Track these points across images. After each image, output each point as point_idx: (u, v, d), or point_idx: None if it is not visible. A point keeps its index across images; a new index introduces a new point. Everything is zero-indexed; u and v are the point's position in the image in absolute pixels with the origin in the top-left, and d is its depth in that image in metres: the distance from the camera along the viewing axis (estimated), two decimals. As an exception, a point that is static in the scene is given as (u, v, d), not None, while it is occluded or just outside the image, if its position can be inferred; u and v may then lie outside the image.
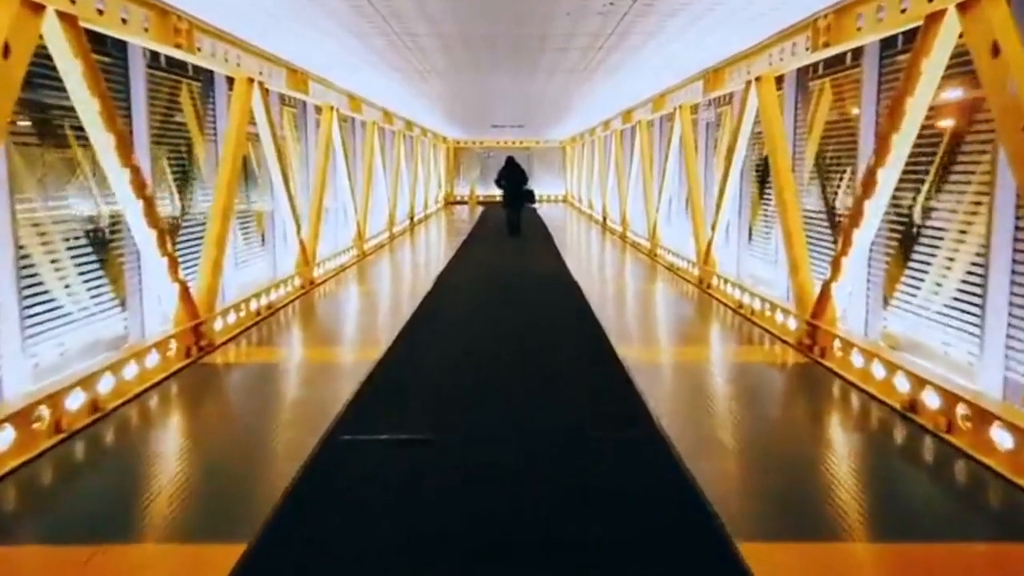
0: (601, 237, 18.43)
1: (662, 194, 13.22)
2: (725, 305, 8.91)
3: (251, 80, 8.00)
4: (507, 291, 10.14)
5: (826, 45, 6.24)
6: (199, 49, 6.68)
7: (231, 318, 7.42)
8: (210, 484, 4.08)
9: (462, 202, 33.53)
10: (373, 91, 13.44)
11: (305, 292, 9.85)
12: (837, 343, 6.08)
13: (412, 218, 21.26)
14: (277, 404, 5.52)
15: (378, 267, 12.95)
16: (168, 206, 7.64)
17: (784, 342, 7.02)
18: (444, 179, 32.92)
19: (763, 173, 9.57)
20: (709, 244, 9.93)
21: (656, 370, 6.35)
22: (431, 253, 15.79)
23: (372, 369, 6.05)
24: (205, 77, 8.42)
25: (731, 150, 9.08)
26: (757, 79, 8.03)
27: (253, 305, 8.11)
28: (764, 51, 7.77)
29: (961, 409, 4.46)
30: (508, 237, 18.09)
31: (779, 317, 7.40)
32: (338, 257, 12.17)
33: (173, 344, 6.13)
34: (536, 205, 29.23)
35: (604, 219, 20.89)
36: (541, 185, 34.87)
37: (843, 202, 7.46)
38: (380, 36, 7.80)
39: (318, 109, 11.93)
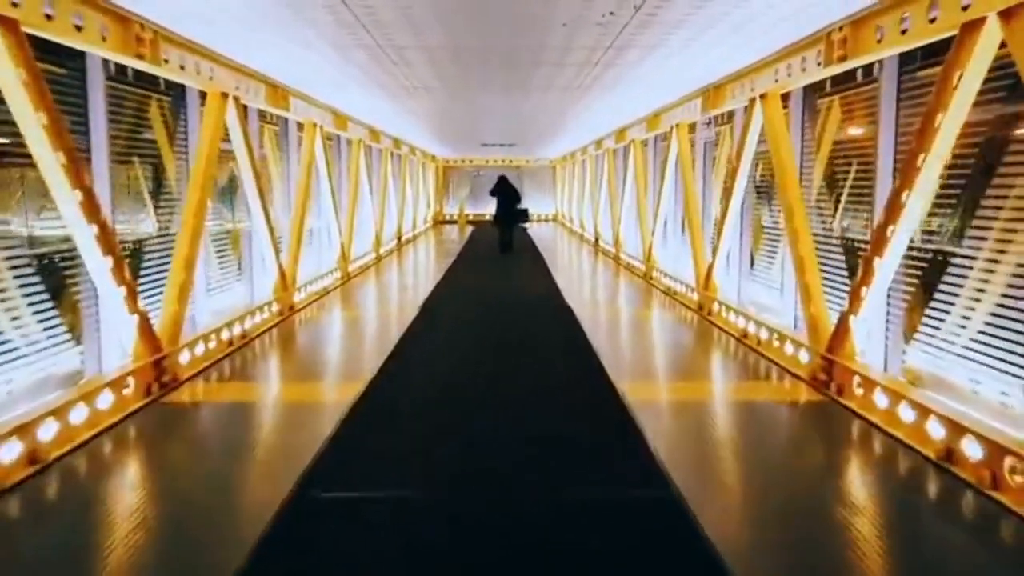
0: (593, 258, 17.97)
1: (658, 215, 12.77)
2: (727, 333, 8.43)
3: (225, 95, 7.50)
4: (496, 318, 9.61)
5: (842, 59, 5.81)
6: (166, 61, 6.18)
7: (199, 349, 6.86)
8: (165, 550, 3.55)
9: (451, 221, 33.07)
10: (359, 108, 12.97)
11: (284, 319, 9.30)
12: (857, 380, 5.60)
13: (400, 238, 20.76)
14: (244, 452, 4.96)
15: (362, 290, 12.41)
16: (130, 226, 7.12)
17: (795, 376, 6.53)
18: (433, 198, 32.48)
19: (767, 195, 9.14)
20: (710, 268, 9.46)
21: (661, 411, 5.83)
22: (418, 276, 15.23)
23: (348, 412, 5.52)
24: (177, 92, 7.93)
25: (734, 170, 8.64)
26: (762, 96, 7.60)
27: (225, 335, 7.55)
28: (770, 66, 7.34)
29: (1009, 461, 3.97)
30: (498, 258, 17.65)
31: (788, 348, 6.92)
32: (321, 280, 11.63)
33: (131, 381, 5.57)
34: (527, 225, 29.07)
35: (596, 239, 20.45)
36: (531, 204, 34.51)
37: (853, 227, 7.02)
38: (364, 50, 7.34)
39: (300, 126, 11.43)
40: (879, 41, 5.41)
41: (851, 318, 5.80)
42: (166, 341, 6.17)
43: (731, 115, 10.14)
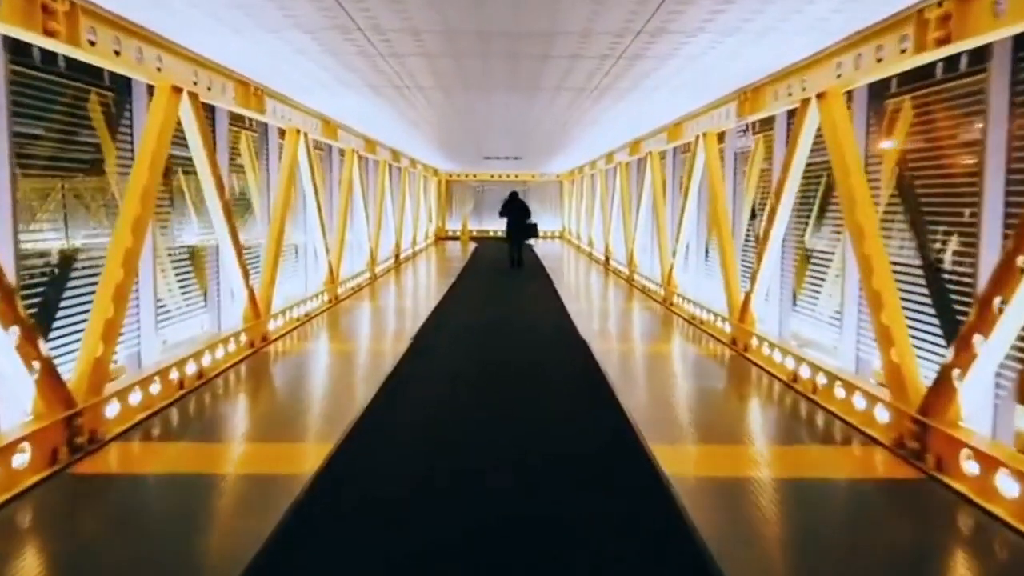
0: (604, 279, 16.70)
1: (679, 236, 11.51)
2: (771, 375, 7.16)
3: (178, 89, 6.29)
4: (499, 355, 8.27)
5: (942, 42, 4.56)
6: (91, 43, 4.96)
7: (134, 398, 5.60)
8: None
9: (454, 238, 31.87)
10: (350, 114, 11.79)
11: (254, 352, 8.03)
12: (966, 455, 4.30)
13: (398, 256, 19.52)
14: (172, 549, 3.67)
15: (350, 317, 11.13)
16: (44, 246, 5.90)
17: (872, 440, 5.25)
18: (435, 213, 31.31)
19: (807, 212, 7.88)
20: (747, 299, 8.18)
21: (717, 495, 4.44)
22: (414, 300, 13.91)
23: (301, 496, 4.24)
24: (123, 86, 6.72)
25: (780, 185, 7.38)
26: (819, 95, 6.35)
27: (174, 375, 6.30)
28: (831, 59, 6.10)
29: None
30: (503, 279, 16.44)
31: (858, 402, 5.63)
32: (303, 305, 10.37)
33: (27, 448, 4.31)
34: (533, 241, 27.91)
35: (607, 259, 19.20)
36: (536, 221, 33.27)
37: (946, 255, 5.76)
38: (340, 31, 6.12)
39: (283, 133, 10.23)
40: (996, 16, 4.18)
41: (954, 373, 4.51)
42: (82, 392, 4.91)
43: (767, 122, 8.90)
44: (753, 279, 8.05)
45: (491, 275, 17.62)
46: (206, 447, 5.29)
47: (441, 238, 31.80)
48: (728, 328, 8.79)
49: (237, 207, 9.65)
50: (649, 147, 13.77)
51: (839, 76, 6.02)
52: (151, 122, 6.06)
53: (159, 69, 5.98)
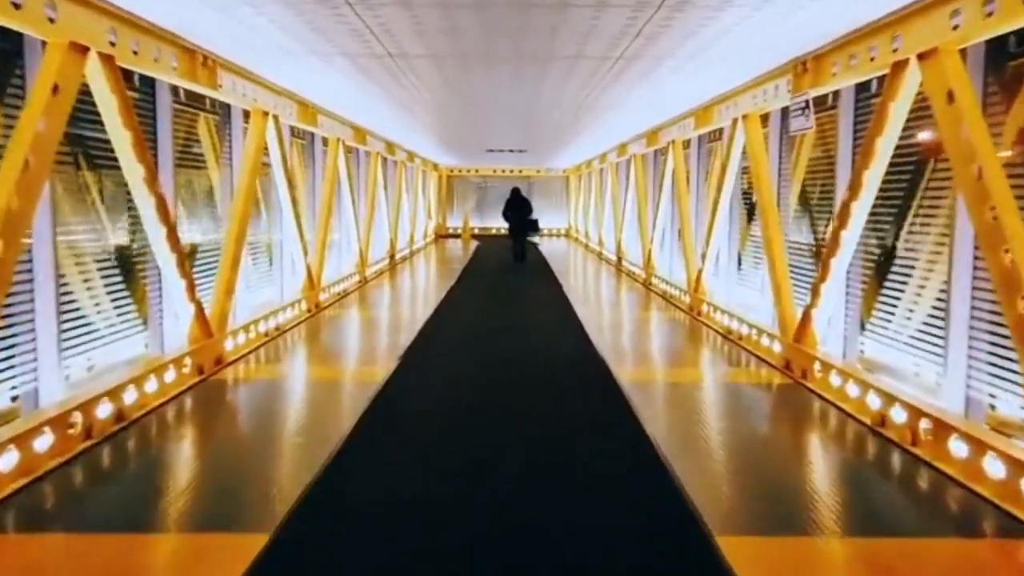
0: (616, 282, 15.18)
1: (710, 236, 9.99)
2: (839, 409, 5.69)
3: (79, 47, 4.80)
4: (502, 386, 6.64)
5: None
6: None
7: (40, 444, 4.14)
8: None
9: (455, 235, 30.36)
10: (336, 99, 10.32)
11: (202, 379, 6.55)
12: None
13: (393, 256, 18.02)
14: None
15: (330, 331, 9.61)
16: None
17: (984, 500, 3.83)
18: (435, 210, 29.80)
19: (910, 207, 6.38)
20: (807, 314, 6.66)
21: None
22: (408, 307, 12.35)
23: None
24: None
25: (858, 176, 5.86)
26: (922, 55, 4.84)
27: (103, 411, 4.84)
28: (939, 7, 4.60)
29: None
30: (505, 281, 14.96)
31: (955, 447, 4.17)
32: (274, 317, 8.90)
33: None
34: (538, 240, 26.58)
35: (619, 259, 17.69)
36: (541, 218, 31.74)
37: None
38: (340, 23, 4.64)
39: (246, 115, 8.74)
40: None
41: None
42: None
43: (820, 101, 7.40)
44: (815, 291, 6.53)
45: (493, 277, 16.13)
46: (129, 513, 3.83)
47: (442, 236, 30.29)
48: (778, 347, 7.29)
49: (203, 205, 8.19)
50: (671, 135, 12.25)
51: (955, 28, 4.51)
52: (40, 86, 4.56)
53: (52, 20, 4.50)
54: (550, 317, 10.41)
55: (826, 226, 7.73)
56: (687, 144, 12.56)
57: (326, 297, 11.30)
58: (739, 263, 10.51)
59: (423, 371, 7.13)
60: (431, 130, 15.29)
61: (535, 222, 19.39)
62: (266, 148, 8.78)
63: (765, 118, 8.74)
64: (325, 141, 12.30)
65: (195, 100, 7.97)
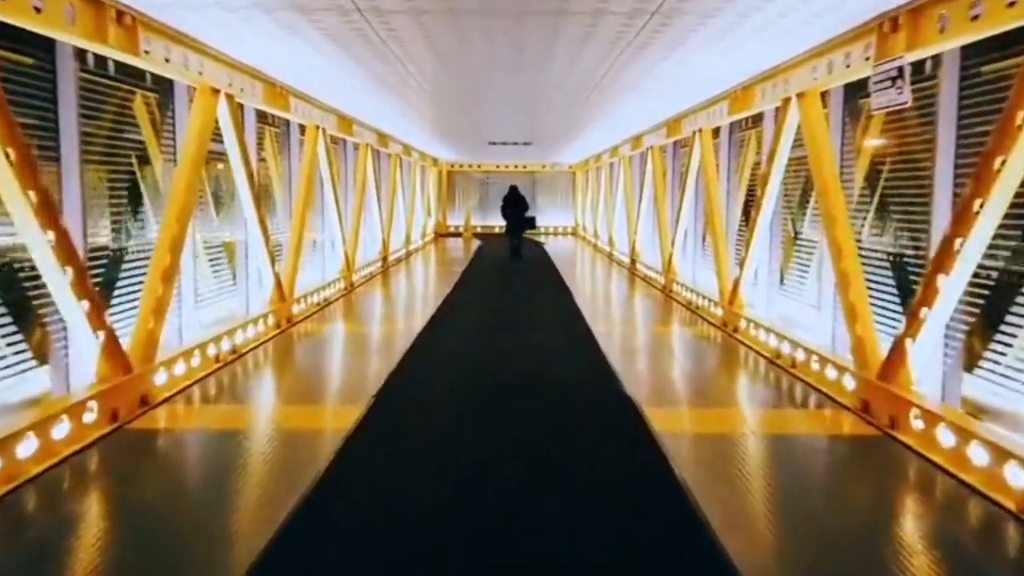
0: (632, 288, 13.65)
1: (752, 240, 8.44)
2: (933, 464, 4.26)
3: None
4: (505, 448, 4.92)
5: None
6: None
7: None
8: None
9: (456, 234, 28.85)
10: (310, 78, 8.82)
11: (114, 429, 5.05)
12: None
13: (385, 259, 16.51)
14: None
15: (295, 355, 8.02)
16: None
17: None
18: (435, 207, 28.29)
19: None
20: (902, 345, 5.12)
21: None
22: (395, 322, 10.59)
23: None
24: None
25: (988, 159, 4.33)
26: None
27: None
28: None
29: None
30: (509, 290, 13.43)
31: None
32: (240, 331, 7.41)
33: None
34: (543, 241, 25.28)
35: (633, 262, 16.15)
36: (546, 216, 30.34)
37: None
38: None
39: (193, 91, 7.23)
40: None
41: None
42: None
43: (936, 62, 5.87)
44: (914, 321, 4.99)
45: (495, 282, 14.61)
46: None
47: (442, 234, 28.78)
48: (851, 384, 5.77)
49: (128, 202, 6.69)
50: (697, 124, 10.72)
51: None
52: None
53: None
54: (561, 338, 8.73)
55: (911, 231, 6.23)
56: (716, 133, 11.03)
57: (302, 309, 9.80)
58: (781, 276, 9.02)
59: (397, 423, 5.45)
60: (426, 119, 13.77)
61: (532, 219, 19.70)
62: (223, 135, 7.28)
63: (823, 97, 7.21)
64: (302, 129, 10.80)
65: (126, 73, 6.47)
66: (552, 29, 6.38)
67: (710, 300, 9.94)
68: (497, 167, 29.84)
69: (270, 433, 5.27)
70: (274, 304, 8.69)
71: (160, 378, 5.82)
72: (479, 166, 29.97)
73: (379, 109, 12.29)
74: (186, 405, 5.80)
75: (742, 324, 8.45)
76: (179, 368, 6.17)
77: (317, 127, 10.50)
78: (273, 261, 8.68)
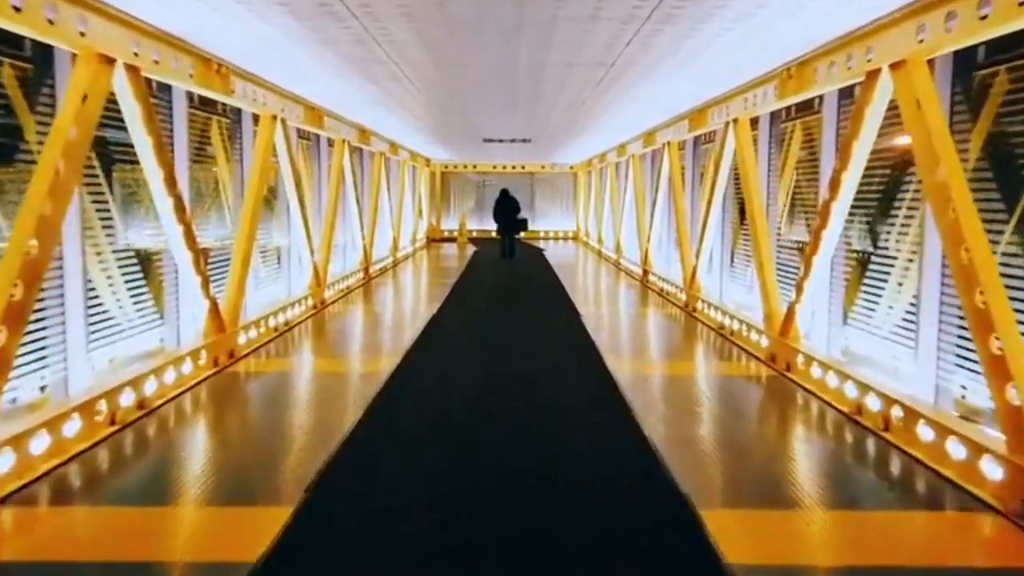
0: (645, 306, 11.86)
1: (812, 257, 6.64)
2: None
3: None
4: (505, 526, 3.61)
5: None
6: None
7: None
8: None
9: (450, 239, 27.06)
10: (273, 66, 7.11)
11: (24, 485, 3.30)
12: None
13: (367, 270, 14.68)
14: None
15: (238, 398, 6.30)
16: None
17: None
18: (428, 211, 26.51)
19: None
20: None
21: None
22: (365, 355, 8.50)
23: None
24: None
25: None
26: None
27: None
28: None
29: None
30: (507, 306, 11.60)
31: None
32: (160, 374, 5.62)
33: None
34: (543, 247, 23.79)
35: (645, 273, 14.36)
36: (546, 220, 28.58)
37: None
38: None
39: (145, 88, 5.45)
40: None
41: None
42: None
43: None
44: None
45: (490, 298, 12.79)
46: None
47: (435, 239, 26.98)
48: (960, 452, 4.01)
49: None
50: (730, 113, 8.93)
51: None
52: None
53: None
54: (573, 379, 6.91)
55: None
56: (754, 124, 9.27)
57: (253, 337, 7.99)
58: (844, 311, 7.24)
59: (348, 530, 3.74)
60: (413, 112, 11.98)
61: (524, 221, 19.98)
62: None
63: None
64: (256, 119, 9.00)
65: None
66: (554, 4, 4.65)
67: (749, 325, 8.17)
68: (494, 168, 28.09)
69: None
70: (208, 335, 6.88)
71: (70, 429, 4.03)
72: (475, 167, 28.20)
73: (357, 100, 10.53)
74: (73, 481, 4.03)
75: (798, 360, 6.66)
76: (103, 415, 4.36)
77: (274, 117, 8.69)
78: (206, 282, 6.84)
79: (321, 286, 10.97)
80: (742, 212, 10.01)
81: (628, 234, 17.48)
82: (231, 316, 7.41)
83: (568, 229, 28.67)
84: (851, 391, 5.65)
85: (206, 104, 8.20)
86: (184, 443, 5.14)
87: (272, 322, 8.73)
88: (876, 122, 5.61)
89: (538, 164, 27.92)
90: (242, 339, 7.68)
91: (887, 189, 6.48)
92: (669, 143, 12.38)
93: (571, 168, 28.10)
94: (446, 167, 28.13)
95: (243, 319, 7.97)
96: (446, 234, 27.82)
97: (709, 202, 9.97)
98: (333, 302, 11.49)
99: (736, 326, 8.62)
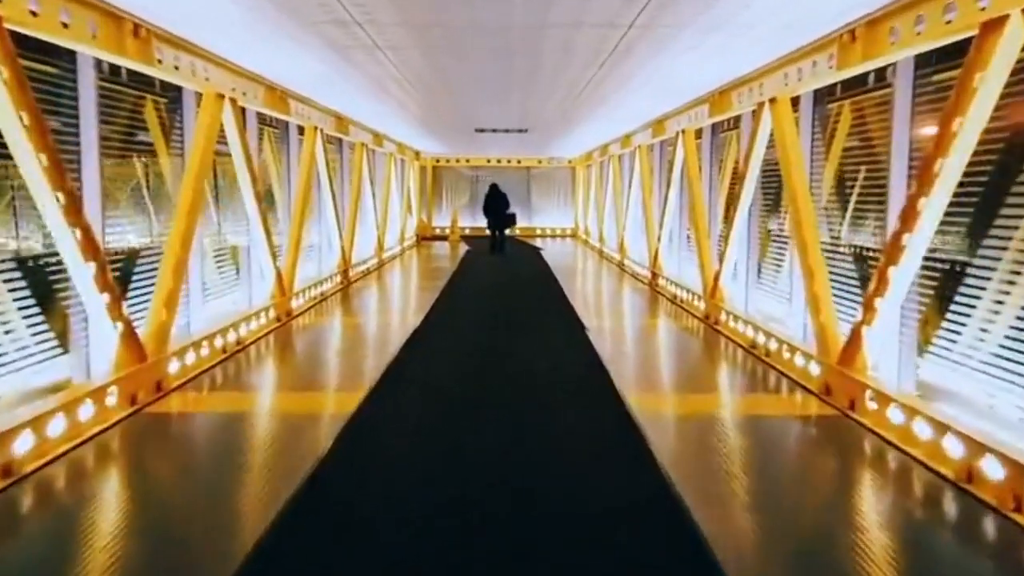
0: (655, 316, 10.46)
1: (892, 264, 5.22)
2: None
3: None
4: None
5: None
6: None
7: None
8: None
9: (442, 237, 25.61)
10: (214, 34, 5.68)
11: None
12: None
13: (346, 272, 13.21)
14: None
15: (136, 462, 4.87)
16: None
17: None
18: (417, 208, 25.06)
19: None
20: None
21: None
22: (332, 384, 7.05)
23: None
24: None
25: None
26: None
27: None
28: None
29: None
30: (503, 320, 10.01)
31: None
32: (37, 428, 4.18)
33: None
34: (540, 243, 22.52)
35: (654, 276, 12.95)
36: (542, 217, 27.15)
37: None
38: None
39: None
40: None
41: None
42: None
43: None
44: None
45: (483, 307, 11.34)
46: None
47: (426, 238, 25.52)
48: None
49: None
50: (763, 94, 7.51)
51: None
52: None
53: None
54: (584, 425, 5.40)
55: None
56: (796, 103, 7.83)
57: (191, 363, 6.54)
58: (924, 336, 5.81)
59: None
60: (397, 99, 10.55)
61: (512, 216, 20.17)
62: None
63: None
64: (200, 100, 7.51)
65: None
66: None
67: (791, 347, 6.76)
68: (488, 161, 26.64)
69: None
70: (121, 368, 5.42)
71: None
72: (467, 161, 26.75)
73: (333, 84, 9.11)
74: None
75: (866, 400, 5.24)
76: None
77: (220, 96, 7.23)
78: (117, 299, 5.37)
79: (286, 294, 9.51)
80: (769, 207, 8.61)
81: (632, 233, 16.09)
82: (156, 339, 5.96)
83: (566, 226, 27.26)
84: (955, 449, 4.23)
85: (136, 79, 6.74)
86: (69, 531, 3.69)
87: (219, 341, 7.29)
88: (996, 85, 4.17)
89: (534, 158, 26.49)
90: (174, 366, 6.22)
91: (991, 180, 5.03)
92: (684, 131, 10.95)
93: (569, 162, 26.68)
94: (437, 161, 26.68)
95: (186, 338, 6.53)
96: (437, 232, 26.37)
97: (733, 198, 8.54)
98: (301, 313, 10.03)
99: (773, 345, 7.21)
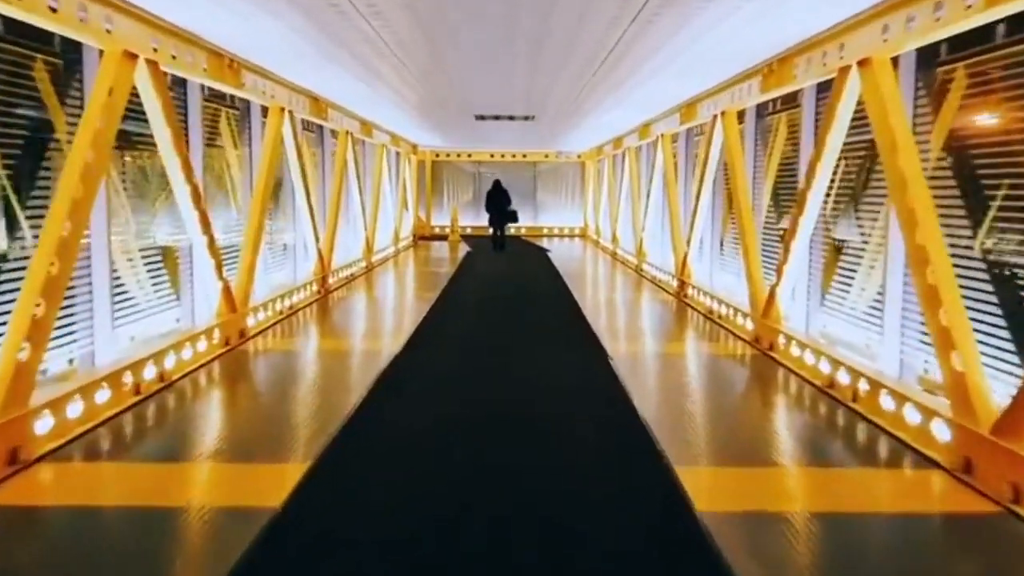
0: (687, 329, 8.68)
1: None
2: None
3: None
4: None
5: None
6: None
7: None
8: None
9: (441, 236, 23.85)
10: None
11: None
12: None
13: (324, 281, 11.39)
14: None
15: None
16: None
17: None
18: (414, 205, 23.32)
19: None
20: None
21: None
22: (293, 429, 5.31)
23: None
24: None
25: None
26: None
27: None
28: None
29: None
30: (508, 343, 8.08)
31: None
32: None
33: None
34: (547, 244, 20.94)
35: (683, 285, 11.15)
36: (549, 215, 25.38)
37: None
38: None
39: None
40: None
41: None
42: None
43: None
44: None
45: (482, 324, 9.53)
46: None
47: (424, 237, 23.75)
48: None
49: None
50: (844, 56, 5.70)
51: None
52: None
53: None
54: (621, 516, 3.70)
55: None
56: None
57: (121, 392, 4.78)
58: None
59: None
60: (393, 81, 8.76)
61: (514, 213, 19.96)
62: None
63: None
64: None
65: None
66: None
67: (887, 388, 4.96)
68: (491, 156, 24.89)
69: None
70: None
71: None
72: (469, 155, 25.00)
73: (304, 56, 7.39)
74: None
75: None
76: None
77: (136, 57, 5.44)
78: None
79: (240, 312, 7.71)
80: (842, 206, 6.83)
81: (652, 234, 14.33)
82: (18, 388, 4.22)
83: (575, 225, 25.47)
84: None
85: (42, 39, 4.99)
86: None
87: (147, 372, 5.51)
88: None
89: (541, 152, 24.74)
90: (78, 409, 4.46)
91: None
92: (724, 113, 9.09)
93: (579, 157, 24.91)
94: (437, 155, 24.92)
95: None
96: (436, 231, 24.61)
97: (804, 194, 6.73)
98: (259, 332, 8.20)
99: (864, 388, 5.40)
